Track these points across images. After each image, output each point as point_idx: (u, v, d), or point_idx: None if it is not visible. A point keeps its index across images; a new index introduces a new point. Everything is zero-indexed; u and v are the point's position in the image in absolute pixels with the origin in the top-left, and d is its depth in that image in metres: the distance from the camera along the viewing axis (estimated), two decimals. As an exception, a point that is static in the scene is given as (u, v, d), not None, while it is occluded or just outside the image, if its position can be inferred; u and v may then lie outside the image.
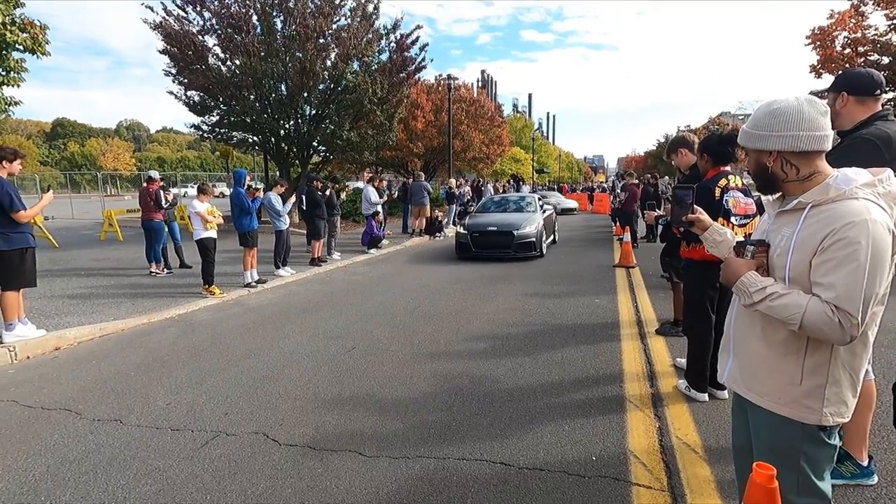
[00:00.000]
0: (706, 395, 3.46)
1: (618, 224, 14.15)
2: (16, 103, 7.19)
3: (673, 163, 4.15)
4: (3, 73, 6.67)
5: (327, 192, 10.21)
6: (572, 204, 26.62)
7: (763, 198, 1.64)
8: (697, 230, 1.90)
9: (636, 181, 12.77)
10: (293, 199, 9.03)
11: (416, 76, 16.47)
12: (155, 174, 9.06)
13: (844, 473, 2.41)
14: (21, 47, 6.64)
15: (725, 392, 3.47)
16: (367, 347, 4.79)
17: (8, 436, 3.18)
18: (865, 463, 2.43)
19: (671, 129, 63.62)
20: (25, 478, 2.70)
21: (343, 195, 13.04)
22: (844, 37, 17.03)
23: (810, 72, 17.77)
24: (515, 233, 9.99)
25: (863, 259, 1.31)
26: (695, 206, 1.91)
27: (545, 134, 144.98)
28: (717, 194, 3.15)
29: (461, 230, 10.60)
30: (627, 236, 9.47)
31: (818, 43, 17.38)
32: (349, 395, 3.69)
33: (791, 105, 1.46)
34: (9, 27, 6.24)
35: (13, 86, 6.89)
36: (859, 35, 16.64)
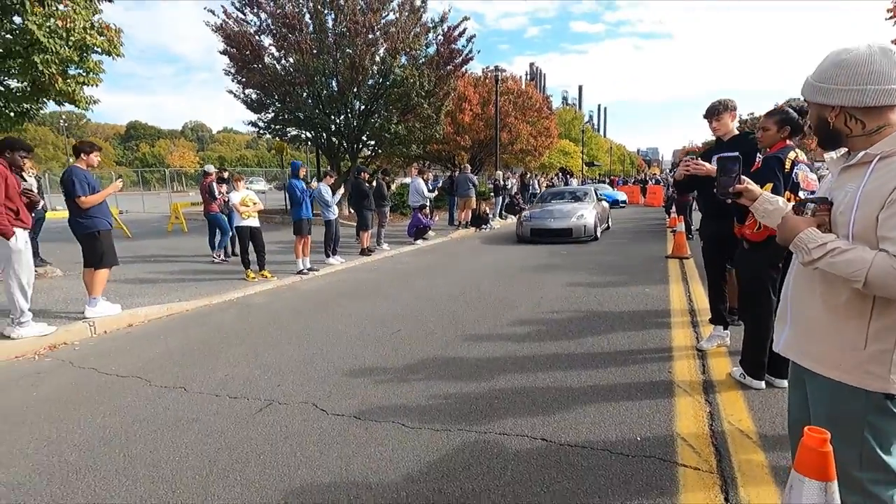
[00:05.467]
0: (763, 382, 3.29)
1: (672, 215, 13.59)
2: (95, 102, 7.84)
3: (713, 129, 3.89)
4: (84, 74, 7.31)
5: (374, 184, 10.44)
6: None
7: (826, 156, 1.55)
8: (746, 201, 1.80)
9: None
10: (342, 190, 9.30)
11: (463, 68, 16.47)
12: (210, 168, 9.59)
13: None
14: (99, 49, 7.25)
15: (785, 381, 3.28)
16: (413, 330, 4.89)
17: (87, 398, 3.50)
18: None
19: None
20: (102, 433, 2.96)
21: (393, 187, 13.27)
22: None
23: (889, 17, 14.82)
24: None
25: None
26: (742, 175, 1.83)
27: (596, 127, 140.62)
28: (787, 166, 2.99)
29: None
30: (681, 226, 9.07)
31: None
32: (394, 373, 3.79)
33: (861, 56, 1.35)
34: (89, 31, 6.83)
35: (93, 85, 7.53)
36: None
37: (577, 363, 3.85)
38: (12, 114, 7.80)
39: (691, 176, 3.50)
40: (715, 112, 3.85)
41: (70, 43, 6.58)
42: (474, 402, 3.21)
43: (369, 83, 14.71)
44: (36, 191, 6.99)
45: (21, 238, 4.47)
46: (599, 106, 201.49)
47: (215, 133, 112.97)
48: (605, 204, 14.01)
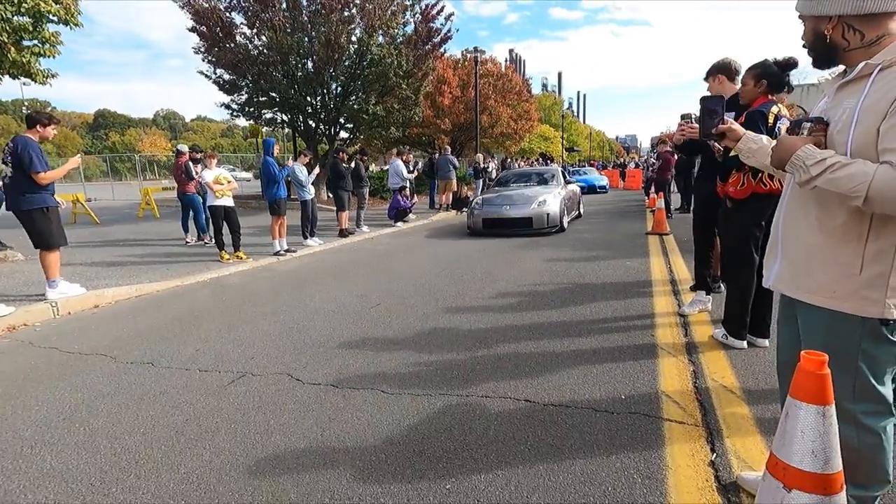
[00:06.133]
0: (745, 342, 3.28)
1: (651, 195, 13.68)
2: (53, 75, 7.40)
3: (708, 90, 3.81)
4: (40, 45, 6.89)
5: (352, 164, 10.20)
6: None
7: (820, 77, 1.48)
8: (729, 141, 1.75)
9: (670, 149, 12.24)
10: (317, 169, 9.07)
11: (442, 47, 16.20)
12: (183, 147, 9.24)
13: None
14: (55, 18, 6.82)
15: (766, 341, 3.28)
16: (393, 304, 4.77)
17: (48, 375, 3.30)
18: None
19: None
20: (62, 409, 2.79)
21: (372, 167, 13.02)
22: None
23: None
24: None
25: None
26: (725, 116, 1.77)
27: (575, 113, 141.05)
28: (770, 120, 2.93)
29: None
30: (661, 202, 9.11)
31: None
32: (373, 343, 3.68)
33: None
34: (42, -1, 6.42)
35: (50, 57, 7.11)
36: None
37: (559, 330, 3.80)
38: (-36, 90, 7.34)
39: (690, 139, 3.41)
40: (712, 72, 3.73)
41: (22, 10, 6.17)
42: (455, 369, 3.12)
43: (346, 63, 14.33)
44: None
45: None
46: (579, 93, 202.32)
47: (189, 121, 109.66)
48: (576, 188, 12.11)
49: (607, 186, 24.31)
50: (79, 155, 5.30)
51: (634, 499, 1.84)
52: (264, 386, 2.98)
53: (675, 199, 13.27)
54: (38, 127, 4.87)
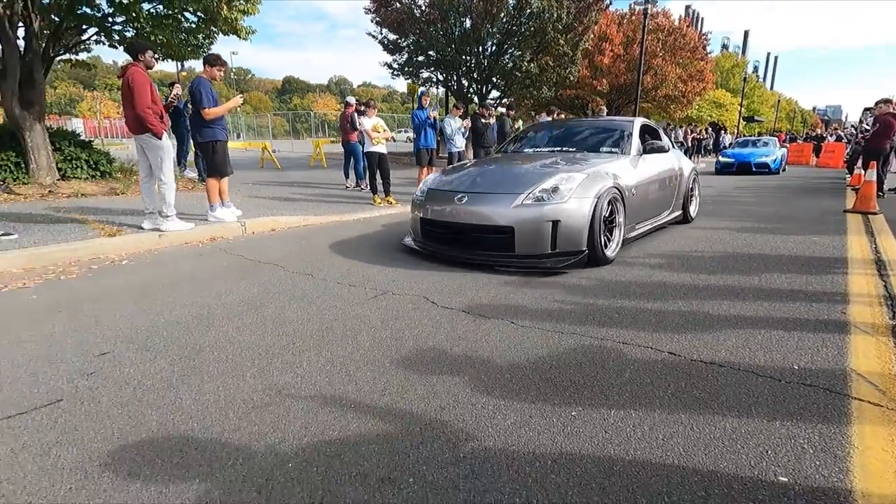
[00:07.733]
0: None
1: (856, 171, 11.14)
2: (252, 31, 8.59)
3: None
4: (244, 3, 8.00)
5: (491, 121, 10.07)
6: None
7: None
8: None
9: (895, 111, 9.67)
10: (468, 121, 9.16)
11: (607, 1, 14.92)
12: (351, 99, 10.04)
13: None
14: (258, -20, 7.84)
15: None
16: (529, 252, 4.68)
17: (234, 274, 3.94)
18: None
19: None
20: (241, 298, 3.31)
21: (519, 123, 12.77)
22: None
23: None
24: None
25: None
26: None
27: (762, 78, 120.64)
28: None
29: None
30: (872, 174, 7.33)
31: None
32: (508, 283, 3.65)
33: None
34: (249, -39, 7.41)
35: (251, 14, 8.22)
36: None
37: (716, 293, 3.34)
38: (189, 48, 8.89)
39: None
40: None
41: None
42: (591, 314, 2.95)
43: (503, 19, 14.07)
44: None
45: (167, 137, 5.06)
46: (769, 55, 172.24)
47: (356, 87, 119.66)
48: (674, 165, 5.84)
49: (775, 165, 15.89)
50: (240, 96, 5.95)
51: (802, 468, 1.55)
52: (403, 303, 3.16)
53: (892, 180, 10.63)
54: (206, 66, 5.54)
